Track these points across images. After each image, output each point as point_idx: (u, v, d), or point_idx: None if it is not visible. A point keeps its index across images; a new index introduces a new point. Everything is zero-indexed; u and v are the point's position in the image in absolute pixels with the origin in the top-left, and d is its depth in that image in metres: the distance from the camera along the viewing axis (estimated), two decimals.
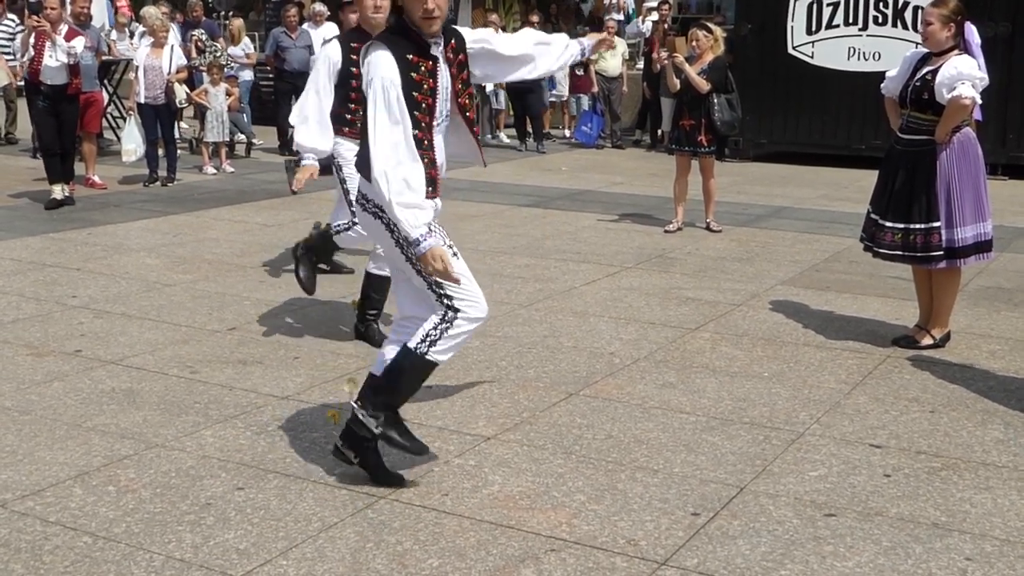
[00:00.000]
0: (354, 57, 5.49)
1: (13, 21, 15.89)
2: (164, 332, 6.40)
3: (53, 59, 10.00)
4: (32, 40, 10.13)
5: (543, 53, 4.56)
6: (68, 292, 7.28)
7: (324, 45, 6.29)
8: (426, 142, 4.06)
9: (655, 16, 16.91)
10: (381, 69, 3.96)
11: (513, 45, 4.50)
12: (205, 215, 10.17)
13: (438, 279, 4.04)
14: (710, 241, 9.18)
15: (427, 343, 4.13)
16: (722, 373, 5.74)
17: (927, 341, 6.17)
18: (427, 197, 4.02)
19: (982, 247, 6.04)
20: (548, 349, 6.13)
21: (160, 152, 11.92)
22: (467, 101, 4.32)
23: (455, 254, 4.12)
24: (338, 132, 6.00)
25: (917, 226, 5.95)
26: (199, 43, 14.23)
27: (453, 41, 4.21)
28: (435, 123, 4.13)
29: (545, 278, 7.79)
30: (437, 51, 4.12)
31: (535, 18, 16.07)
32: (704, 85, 9.20)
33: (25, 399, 5.26)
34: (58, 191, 10.44)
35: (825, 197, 11.44)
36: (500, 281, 7.68)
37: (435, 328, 4.13)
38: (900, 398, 5.37)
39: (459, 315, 4.12)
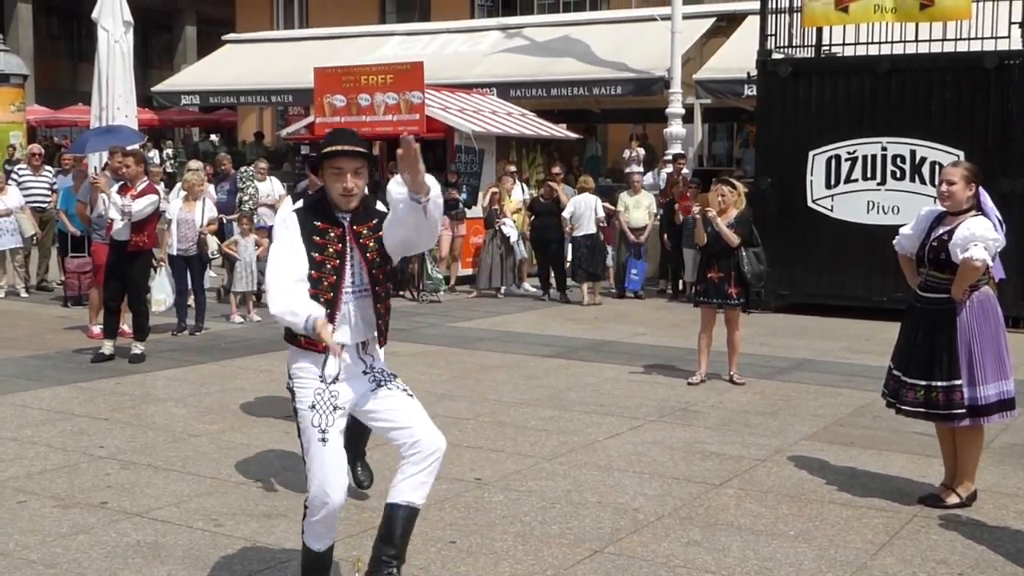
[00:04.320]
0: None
1: (50, 172, 16.39)
2: (189, 484, 6.44)
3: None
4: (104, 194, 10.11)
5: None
6: (95, 442, 7.34)
7: None
8: (321, 300, 4.30)
9: (669, 168, 17.27)
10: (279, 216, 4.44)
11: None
12: (232, 364, 10.27)
13: (306, 455, 4.39)
14: (733, 394, 9.19)
15: (303, 533, 4.55)
16: (747, 531, 5.71)
17: (953, 500, 6.12)
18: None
19: (1005, 405, 6.05)
20: (572, 504, 6.13)
21: (189, 301, 12.13)
22: (380, 275, 4.44)
23: (323, 440, 4.37)
24: None
25: (939, 384, 5.98)
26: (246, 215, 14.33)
27: (374, 220, 4.44)
28: (344, 288, 4.37)
29: (569, 431, 7.81)
30: (345, 223, 4.38)
31: (557, 170, 16.37)
32: (735, 239, 9.37)
33: (51, 552, 5.28)
34: (108, 347, 10.24)
35: (847, 349, 11.46)
36: (524, 433, 7.70)
37: (303, 519, 4.50)
38: (928, 560, 5.32)
39: (308, 499, 4.43)
